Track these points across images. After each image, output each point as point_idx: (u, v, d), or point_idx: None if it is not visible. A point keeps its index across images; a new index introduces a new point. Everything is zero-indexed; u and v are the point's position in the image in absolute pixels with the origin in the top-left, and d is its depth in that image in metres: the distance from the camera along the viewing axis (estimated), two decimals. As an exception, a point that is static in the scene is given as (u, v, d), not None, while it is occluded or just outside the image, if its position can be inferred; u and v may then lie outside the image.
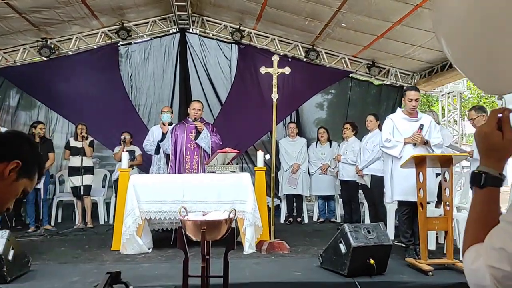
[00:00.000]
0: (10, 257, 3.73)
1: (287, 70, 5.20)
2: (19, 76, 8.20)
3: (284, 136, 8.60)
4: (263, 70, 5.14)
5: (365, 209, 6.44)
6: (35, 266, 4.28)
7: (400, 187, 4.51)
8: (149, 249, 5.00)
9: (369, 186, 5.91)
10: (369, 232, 3.88)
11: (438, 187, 4.87)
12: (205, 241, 2.70)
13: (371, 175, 5.87)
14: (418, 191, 4.17)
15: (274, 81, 5.11)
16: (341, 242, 3.89)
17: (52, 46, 8.24)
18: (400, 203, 4.60)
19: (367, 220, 6.35)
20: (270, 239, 5.12)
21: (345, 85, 9.32)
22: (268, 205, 5.55)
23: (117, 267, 4.30)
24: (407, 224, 4.56)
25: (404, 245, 4.65)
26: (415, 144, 4.49)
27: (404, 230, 4.57)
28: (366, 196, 6.12)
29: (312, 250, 5.10)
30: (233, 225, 2.96)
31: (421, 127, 4.46)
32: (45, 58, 8.26)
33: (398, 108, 4.89)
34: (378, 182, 5.84)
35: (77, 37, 8.39)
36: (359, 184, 6.41)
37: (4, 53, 8.21)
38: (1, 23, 7.11)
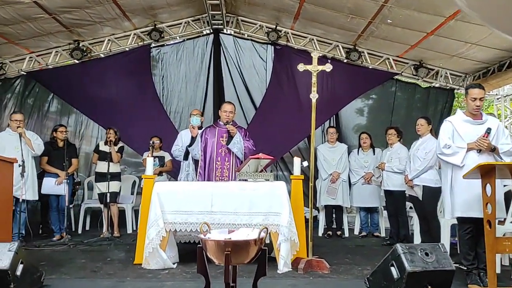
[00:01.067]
0: (18, 272, 3.37)
1: (328, 67, 4.65)
2: (51, 79, 8.08)
3: (323, 142, 8.04)
4: (301, 67, 4.62)
5: (415, 222, 5.76)
6: (49, 280, 3.91)
7: (461, 201, 3.85)
8: (174, 264, 4.56)
9: (420, 199, 5.25)
10: (427, 254, 3.27)
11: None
12: (230, 266, 2.19)
13: (423, 186, 5.21)
14: (485, 206, 3.52)
15: (314, 80, 4.57)
16: (393, 265, 3.29)
17: (84, 48, 8.08)
18: (461, 219, 3.93)
19: (417, 236, 5.68)
20: (307, 256, 4.57)
21: (388, 88, 8.68)
22: (305, 217, 5.01)
23: (137, 285, 3.89)
24: (469, 244, 3.89)
25: (465, 269, 3.98)
26: (479, 151, 3.83)
27: (466, 251, 3.90)
28: (416, 209, 5.45)
29: (355, 270, 4.49)
30: (265, 244, 2.44)
31: (488, 131, 3.79)
32: (77, 61, 8.10)
33: (458, 110, 4.22)
34: (431, 193, 5.19)
35: (109, 39, 8.20)
36: (407, 195, 5.77)
37: (37, 56, 8.11)
38: (31, 24, 6.95)
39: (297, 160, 4.87)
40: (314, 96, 4.57)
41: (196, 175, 5.37)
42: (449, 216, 3.99)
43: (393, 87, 8.55)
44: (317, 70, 4.57)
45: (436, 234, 5.19)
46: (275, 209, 4.42)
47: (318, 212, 7.08)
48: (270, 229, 4.42)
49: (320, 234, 6.82)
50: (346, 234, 6.83)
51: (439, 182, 5.23)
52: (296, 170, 4.85)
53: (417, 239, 5.67)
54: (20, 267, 3.42)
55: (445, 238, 5.16)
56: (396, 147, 5.97)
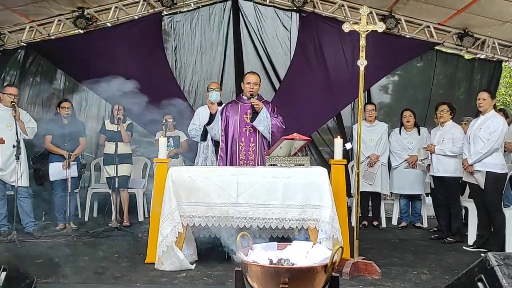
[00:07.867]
0: (0, 283, 2.67)
1: (380, 27, 3.79)
2: (53, 51, 7.31)
3: (353, 122, 7.24)
4: (346, 27, 3.76)
5: (471, 214, 4.96)
6: (43, 286, 3.24)
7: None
8: (192, 264, 3.84)
9: (482, 187, 4.43)
10: (528, 266, 2.47)
11: None
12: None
13: (486, 172, 4.39)
14: None
15: (362, 42, 3.72)
16: (481, 280, 2.51)
17: (89, 16, 7.29)
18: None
19: (472, 231, 4.89)
20: (352, 256, 3.82)
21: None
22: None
23: (149, 294, 3.18)
24: None
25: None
26: None
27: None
28: (476, 199, 4.64)
29: (411, 274, 3.73)
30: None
31: None
32: (81, 31, 7.32)
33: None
34: (495, 181, 4.41)
35: (116, 7, 7.38)
36: (461, 183, 4.97)
37: (38, 25, 7.34)
38: (29, -13, 6.17)
39: (338, 141, 4.07)
40: (362, 62, 3.73)
41: (217, 158, 4.59)
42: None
43: (433, 57, 7.60)
44: (367, 31, 3.73)
45: (499, 229, 4.40)
46: (314, 201, 3.66)
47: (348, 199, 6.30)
48: (308, 224, 3.67)
49: (354, 224, 6.05)
50: (383, 224, 6.06)
51: (506, 168, 4.43)
52: (337, 153, 4.06)
53: (472, 233, 4.89)
54: (3, 275, 2.72)
55: (511, 234, 4.37)
56: (449, 126, 5.10)
